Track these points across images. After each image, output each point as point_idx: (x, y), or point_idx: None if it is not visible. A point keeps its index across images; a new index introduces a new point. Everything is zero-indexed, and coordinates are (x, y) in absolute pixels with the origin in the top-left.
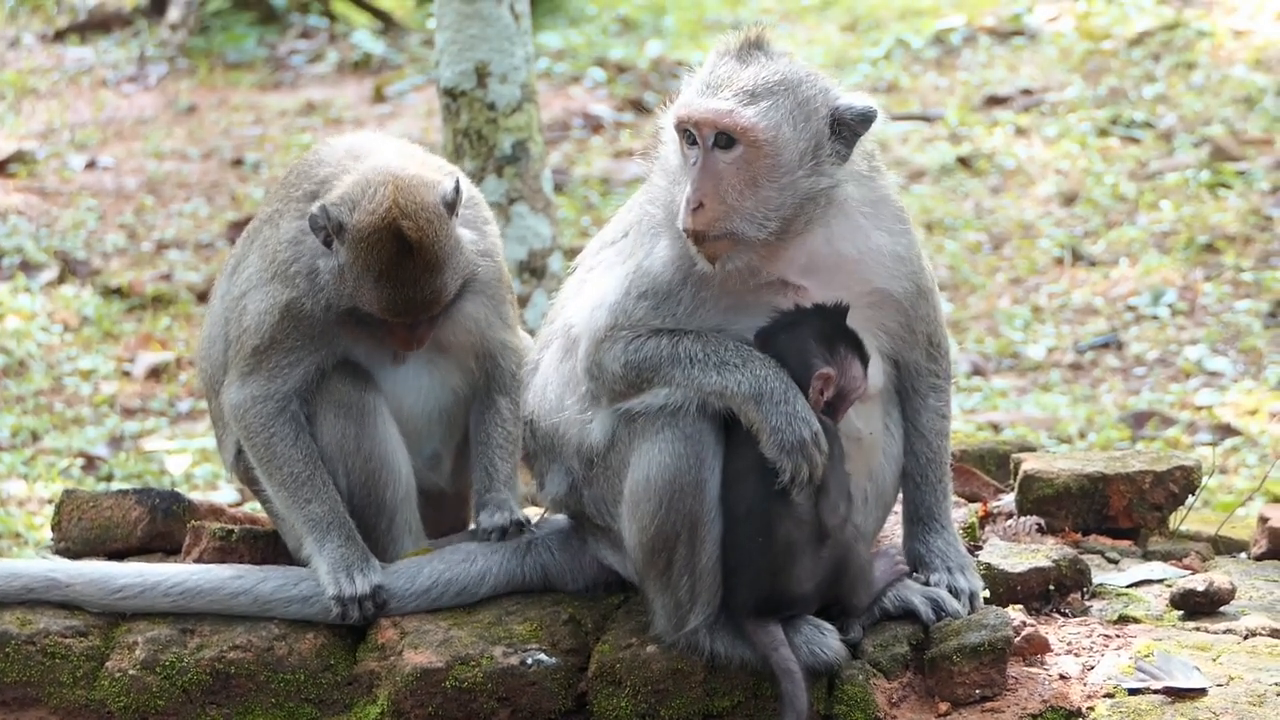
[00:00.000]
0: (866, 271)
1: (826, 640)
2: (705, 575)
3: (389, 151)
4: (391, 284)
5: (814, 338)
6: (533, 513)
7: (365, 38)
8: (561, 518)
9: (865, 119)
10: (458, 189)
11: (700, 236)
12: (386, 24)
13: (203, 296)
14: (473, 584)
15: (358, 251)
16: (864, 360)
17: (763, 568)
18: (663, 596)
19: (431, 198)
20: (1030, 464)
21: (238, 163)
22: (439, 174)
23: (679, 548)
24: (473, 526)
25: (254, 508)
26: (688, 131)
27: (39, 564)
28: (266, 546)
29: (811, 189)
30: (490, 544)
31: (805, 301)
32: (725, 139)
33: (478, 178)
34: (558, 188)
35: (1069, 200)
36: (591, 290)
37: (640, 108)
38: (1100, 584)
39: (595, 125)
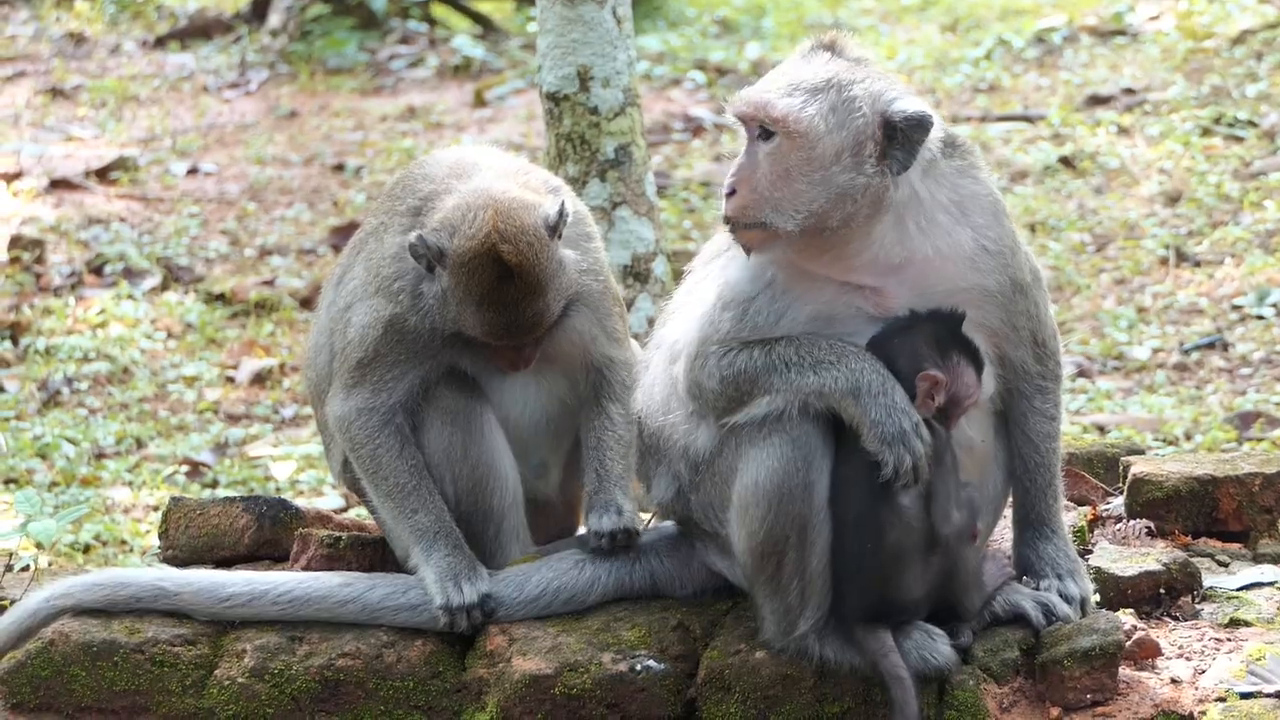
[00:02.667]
0: (950, 270)
1: (937, 646)
2: (815, 579)
3: (491, 171)
4: (493, 308)
5: (926, 343)
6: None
7: (465, 42)
8: (669, 523)
9: (919, 125)
10: (562, 212)
11: (733, 223)
12: (486, 28)
13: (306, 302)
14: (581, 591)
15: (459, 277)
16: (978, 368)
17: (872, 574)
18: (772, 601)
19: (532, 220)
20: (1139, 467)
21: (339, 168)
22: (541, 194)
23: (788, 552)
24: (582, 529)
25: (360, 514)
26: (744, 123)
27: (147, 573)
28: (374, 553)
29: (848, 186)
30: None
31: (894, 304)
32: (764, 130)
33: (581, 182)
34: (659, 191)
35: (1173, 200)
36: (691, 304)
37: None
38: (1211, 587)
39: (696, 128)
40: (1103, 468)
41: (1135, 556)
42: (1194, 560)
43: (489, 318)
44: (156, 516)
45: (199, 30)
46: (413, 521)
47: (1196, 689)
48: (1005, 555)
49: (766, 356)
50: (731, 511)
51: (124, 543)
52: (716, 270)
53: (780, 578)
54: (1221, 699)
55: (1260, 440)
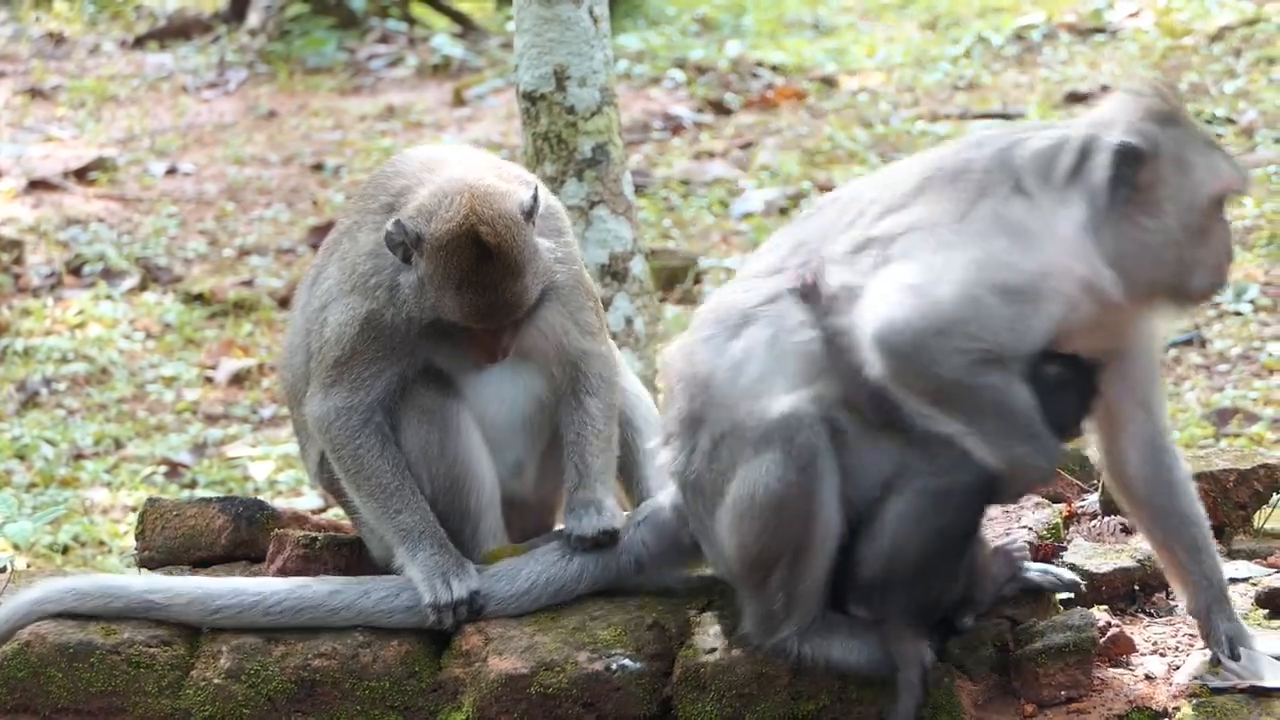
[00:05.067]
0: None
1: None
2: (802, 596)
3: (464, 163)
4: (473, 291)
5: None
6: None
7: (444, 41)
8: (654, 504)
9: None
10: (535, 197)
11: None
12: (465, 27)
13: (284, 302)
14: (570, 581)
15: (437, 261)
16: None
17: (947, 581)
18: (753, 603)
19: (508, 205)
20: None
21: (318, 168)
22: (515, 183)
23: (778, 569)
24: (559, 528)
25: (337, 514)
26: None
27: (137, 583)
28: (351, 554)
29: None
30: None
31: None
32: None
33: (558, 182)
34: (638, 189)
35: None
36: (907, 271)
37: (720, 108)
38: None
39: (675, 126)
40: (1078, 464)
41: (1110, 553)
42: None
43: (469, 300)
44: (134, 517)
45: (178, 30)
46: (397, 521)
47: (1170, 685)
48: (1017, 549)
49: (1005, 388)
50: (724, 513)
51: (102, 543)
52: (982, 227)
53: (766, 588)
54: (1195, 695)
55: (1238, 436)
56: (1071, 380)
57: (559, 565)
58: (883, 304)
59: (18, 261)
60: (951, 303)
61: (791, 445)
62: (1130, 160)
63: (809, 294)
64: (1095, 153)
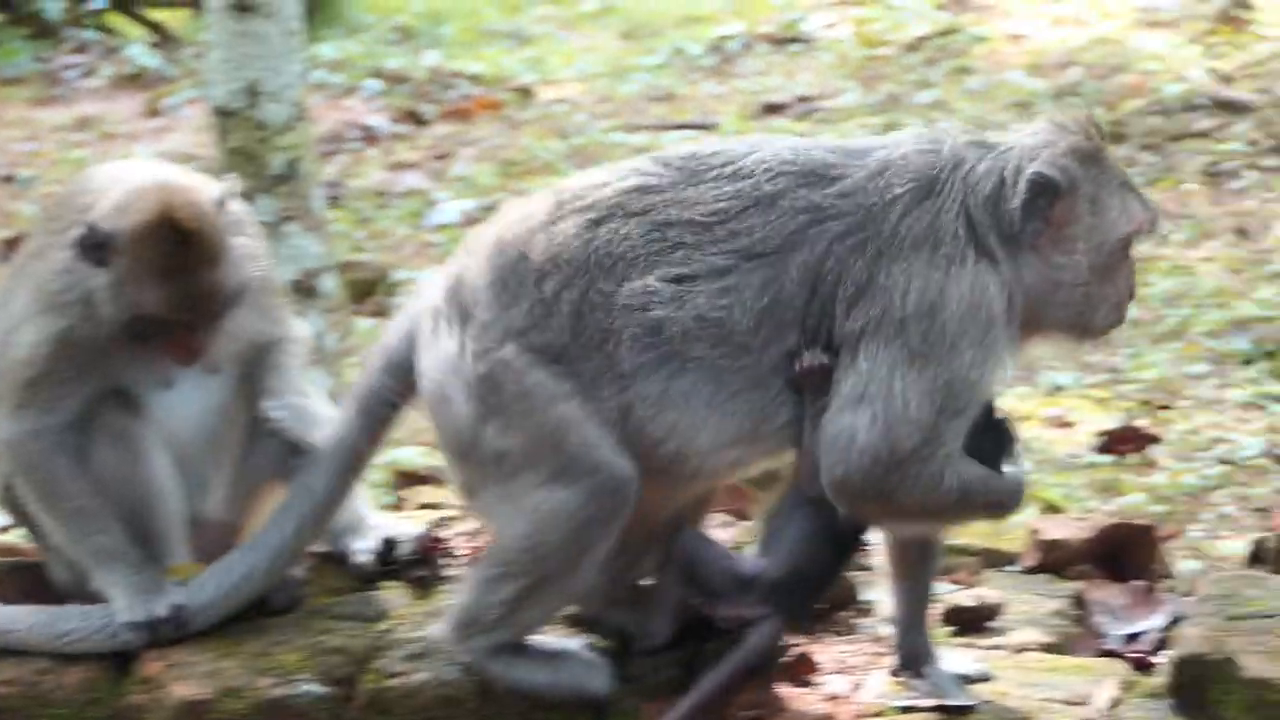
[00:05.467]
0: None
1: (598, 672)
2: (521, 622)
3: (150, 169)
4: (174, 279)
5: None
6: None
7: (139, 50)
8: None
9: None
10: (226, 193)
11: None
12: (161, 36)
13: None
14: (285, 541)
15: (135, 254)
16: None
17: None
18: (472, 597)
19: (201, 196)
20: None
21: (8, 179)
22: (204, 182)
23: (517, 582)
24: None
25: (19, 536)
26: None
27: None
28: (33, 579)
29: None
30: (283, 499)
31: None
32: None
33: (249, 198)
34: (333, 201)
35: None
36: (866, 415)
37: (416, 119)
38: (870, 600)
39: (371, 137)
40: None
41: None
42: (853, 574)
43: (169, 290)
44: None
45: None
46: (92, 544)
47: (855, 704)
48: None
49: (960, 489)
50: (512, 486)
51: None
52: (953, 332)
53: (495, 589)
54: (879, 714)
55: None
56: (999, 444)
57: (262, 546)
58: (841, 450)
59: None
60: (911, 443)
61: (607, 498)
62: (1046, 193)
63: (800, 387)
64: (1016, 182)
